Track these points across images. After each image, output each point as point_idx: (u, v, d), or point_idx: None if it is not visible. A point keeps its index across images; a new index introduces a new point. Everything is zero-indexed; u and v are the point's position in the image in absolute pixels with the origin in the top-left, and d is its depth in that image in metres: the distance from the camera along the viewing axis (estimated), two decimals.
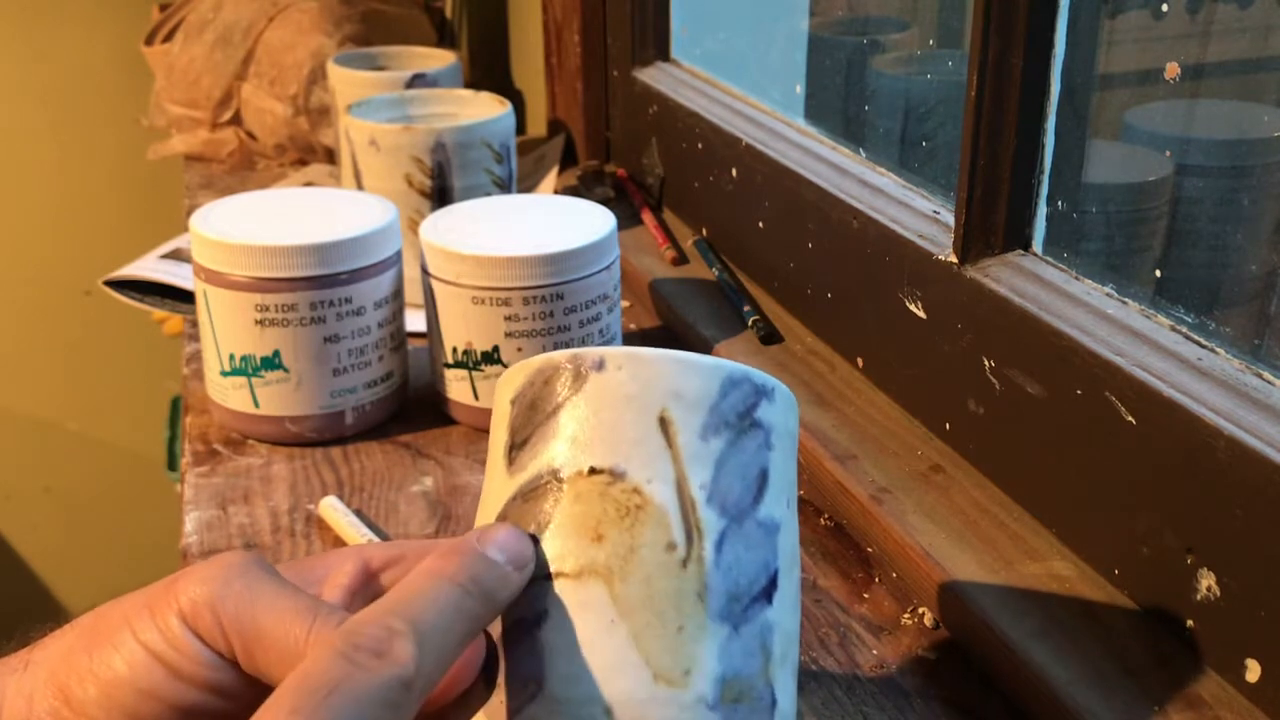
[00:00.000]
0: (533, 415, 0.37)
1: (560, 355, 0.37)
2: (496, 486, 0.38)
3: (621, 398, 0.36)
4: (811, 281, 0.74)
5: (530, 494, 0.36)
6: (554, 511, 0.35)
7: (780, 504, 0.38)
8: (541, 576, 0.35)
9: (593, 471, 0.35)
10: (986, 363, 0.58)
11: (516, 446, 0.37)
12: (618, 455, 0.36)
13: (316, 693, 0.30)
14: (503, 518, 0.37)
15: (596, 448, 0.36)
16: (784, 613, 0.37)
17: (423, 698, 0.32)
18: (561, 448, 0.36)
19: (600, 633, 0.34)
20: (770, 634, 0.36)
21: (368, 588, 0.39)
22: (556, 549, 0.35)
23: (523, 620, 0.35)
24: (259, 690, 0.35)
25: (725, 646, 0.35)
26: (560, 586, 0.35)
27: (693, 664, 0.34)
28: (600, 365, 0.36)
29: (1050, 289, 0.56)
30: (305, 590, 0.38)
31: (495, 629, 0.37)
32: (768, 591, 0.37)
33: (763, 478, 0.37)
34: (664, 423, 0.36)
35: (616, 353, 0.37)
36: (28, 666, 0.36)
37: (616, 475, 0.35)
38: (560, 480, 0.36)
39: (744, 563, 0.36)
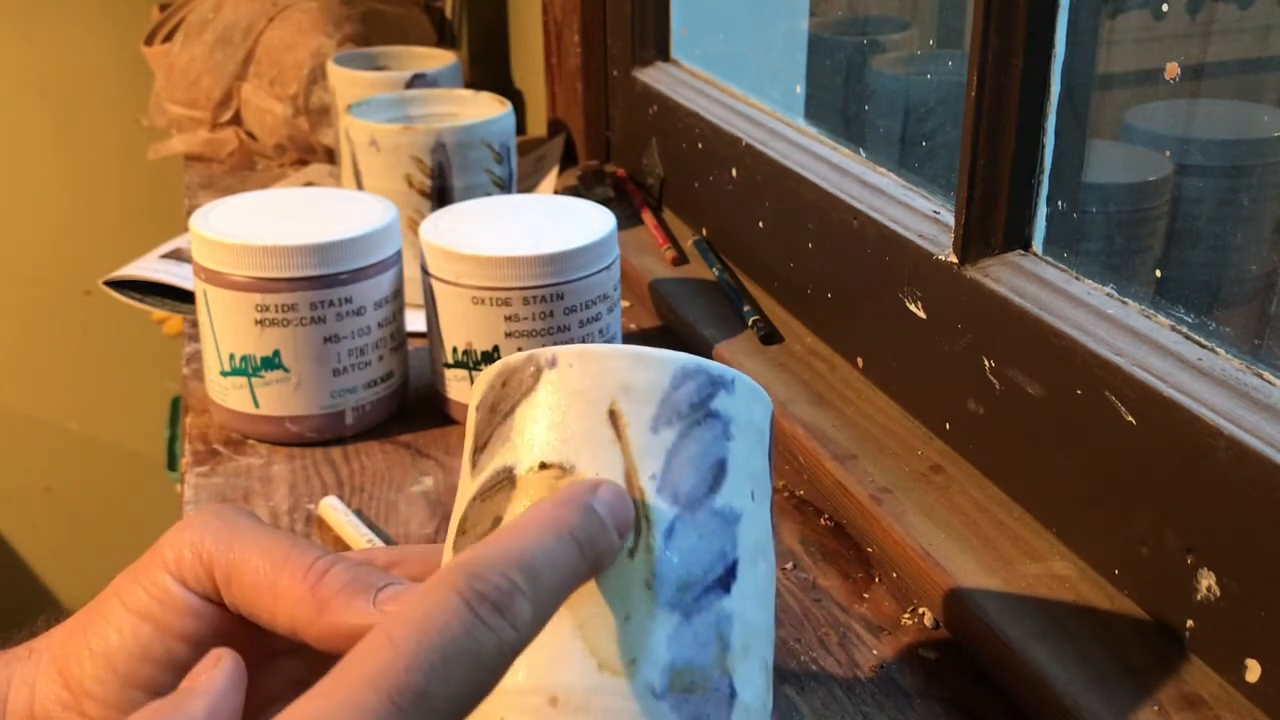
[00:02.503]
0: (492, 418, 0.37)
1: (517, 357, 0.37)
2: (462, 491, 0.38)
3: (572, 393, 0.36)
4: (811, 281, 0.74)
5: (487, 493, 0.36)
6: (506, 508, 0.36)
7: (743, 494, 0.37)
8: None
9: (543, 466, 0.36)
10: (986, 363, 0.58)
11: (478, 450, 0.37)
12: (567, 450, 0.36)
13: (437, 640, 0.28)
14: (464, 519, 0.37)
15: (548, 444, 0.36)
16: (746, 604, 0.36)
17: None
18: (514, 445, 0.36)
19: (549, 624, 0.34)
20: (728, 624, 0.36)
21: None
22: None
23: None
24: (250, 643, 0.36)
25: (675, 635, 0.35)
26: None
27: (639, 652, 0.34)
28: (553, 363, 0.37)
29: (1050, 289, 0.56)
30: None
31: None
32: (724, 581, 0.36)
33: (720, 468, 0.37)
34: (614, 415, 0.36)
35: (568, 350, 0.37)
36: (31, 655, 0.37)
37: (566, 470, 0.35)
38: (514, 479, 0.36)
39: (697, 551, 0.36)
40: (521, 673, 0.34)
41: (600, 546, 0.33)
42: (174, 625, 0.35)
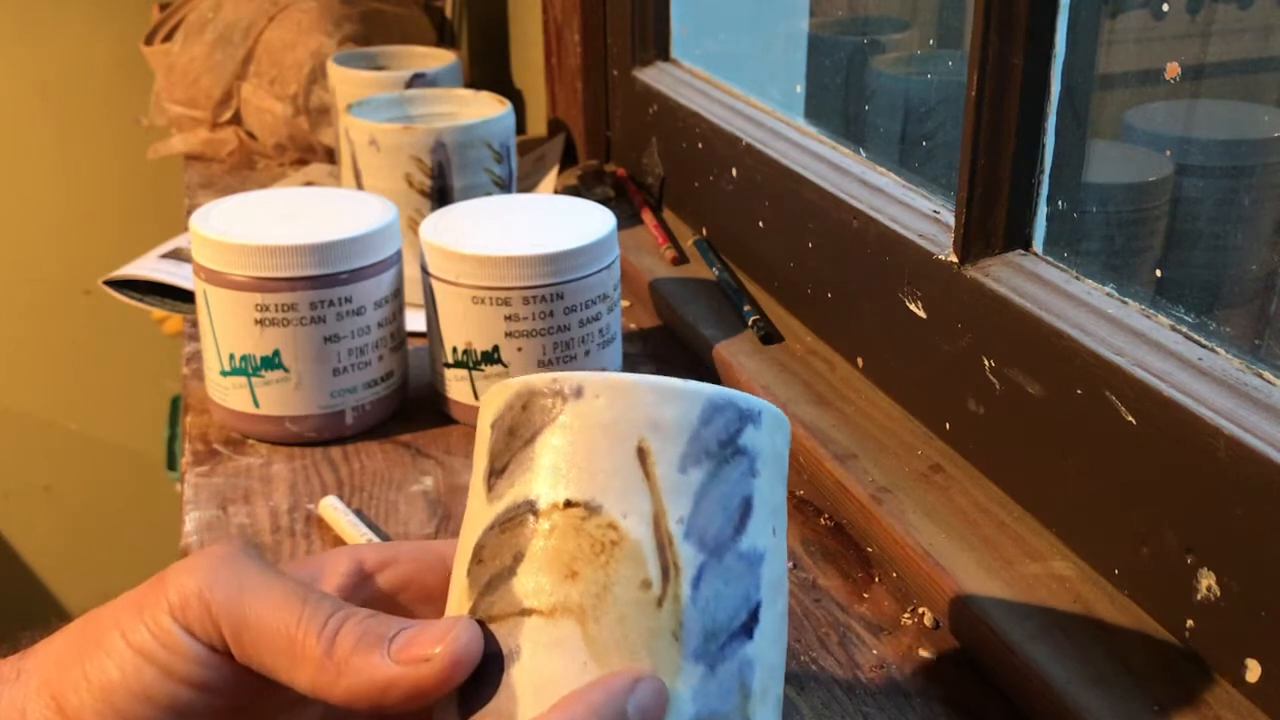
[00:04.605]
0: (511, 441, 0.36)
1: (539, 380, 0.36)
2: (476, 512, 0.37)
3: (598, 426, 0.35)
4: (811, 281, 0.74)
5: (507, 524, 0.35)
6: (529, 545, 0.34)
7: (765, 532, 0.36)
8: (515, 612, 0.34)
9: (569, 504, 0.34)
10: (986, 362, 0.58)
11: (495, 473, 0.36)
12: (593, 488, 0.34)
13: None
14: (480, 548, 0.36)
15: (573, 479, 0.35)
16: (765, 646, 0.36)
17: None
18: (538, 478, 0.35)
19: (572, 675, 0.33)
20: (750, 670, 0.35)
21: (361, 589, 0.39)
22: (530, 585, 0.34)
23: (495, 655, 0.34)
24: (252, 687, 0.35)
25: (700, 688, 0.34)
26: (533, 624, 0.34)
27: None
28: (579, 392, 0.35)
29: (1050, 289, 0.56)
30: (299, 575, 0.38)
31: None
32: (748, 626, 0.35)
33: (746, 507, 0.36)
34: (642, 453, 0.35)
35: (595, 379, 0.35)
36: (19, 676, 0.36)
37: (592, 509, 0.34)
38: (536, 512, 0.35)
39: (723, 598, 0.35)
40: None
41: None
42: (179, 671, 0.35)
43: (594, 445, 0.35)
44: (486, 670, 0.34)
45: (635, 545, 0.34)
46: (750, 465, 0.36)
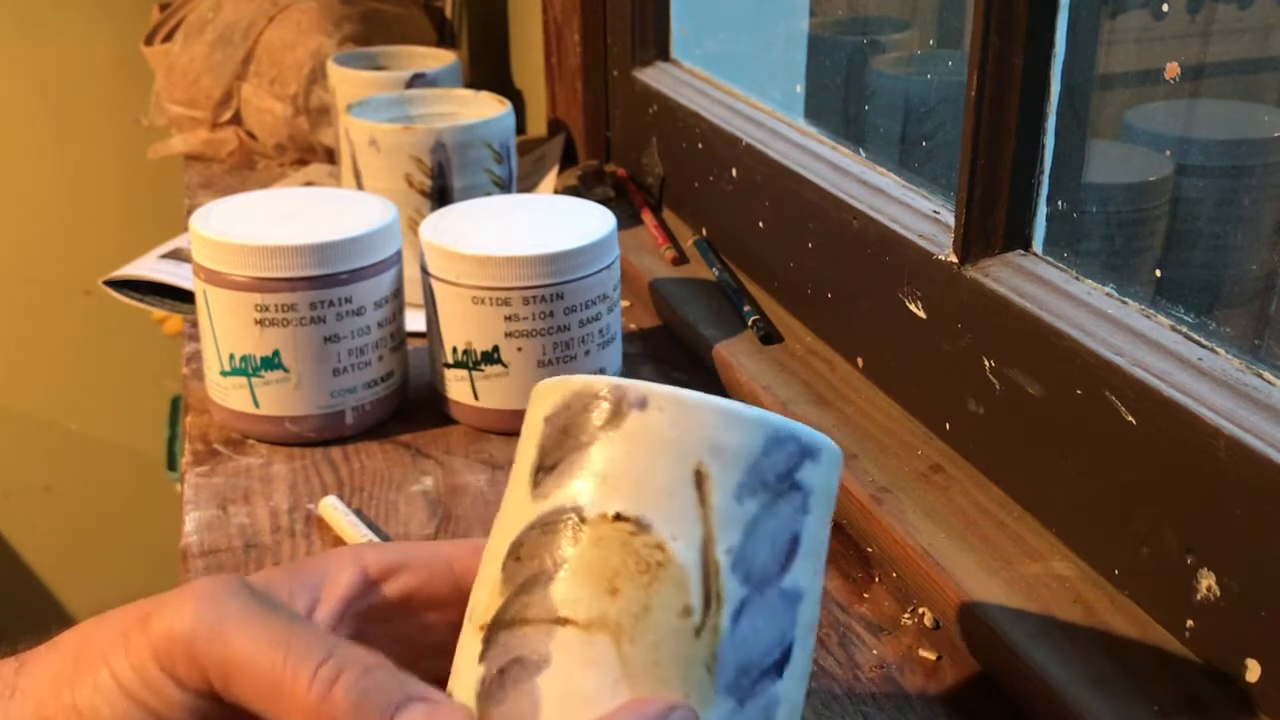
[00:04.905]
0: (564, 441, 0.35)
1: (602, 383, 0.35)
2: (518, 507, 0.36)
3: (659, 442, 0.34)
4: (811, 281, 0.74)
5: (549, 526, 0.34)
6: (570, 552, 0.34)
7: (807, 572, 0.36)
8: (549, 619, 0.34)
9: (618, 517, 0.34)
10: (986, 363, 0.58)
11: (544, 470, 0.35)
12: (646, 504, 0.34)
13: None
14: (519, 544, 0.35)
15: (625, 492, 0.34)
16: (793, 685, 0.35)
17: None
18: (589, 484, 0.34)
19: (602, 693, 0.33)
20: (775, 708, 0.35)
21: (366, 596, 0.39)
22: (568, 593, 0.34)
23: (524, 660, 0.34)
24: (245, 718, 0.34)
25: None
26: (567, 635, 0.33)
27: None
28: (642, 404, 0.34)
29: (1050, 289, 0.56)
30: (300, 592, 0.37)
31: (474, 652, 0.35)
32: (779, 665, 0.35)
33: (793, 544, 0.35)
34: (699, 476, 0.34)
35: (660, 393, 0.35)
36: (14, 694, 0.36)
37: (642, 526, 0.34)
38: (583, 519, 0.34)
39: (760, 635, 0.34)
40: None
41: None
42: (165, 715, 0.34)
43: (652, 461, 0.34)
44: (512, 672, 0.34)
45: (681, 570, 0.33)
46: (803, 502, 0.36)
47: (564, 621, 0.33)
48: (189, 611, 0.34)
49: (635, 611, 0.33)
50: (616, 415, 0.35)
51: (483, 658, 0.35)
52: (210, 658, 0.33)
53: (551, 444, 0.35)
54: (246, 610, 0.34)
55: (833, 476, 0.37)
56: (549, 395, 0.36)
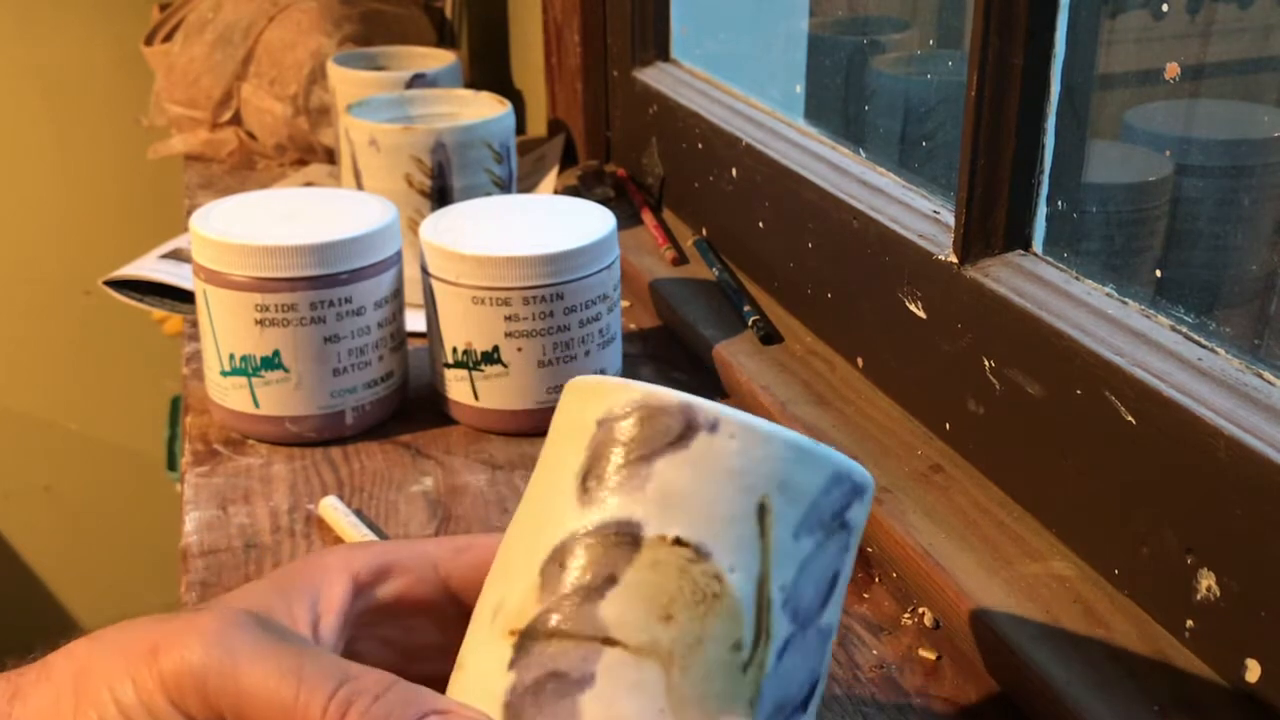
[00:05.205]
0: (622, 450, 0.34)
1: (671, 398, 0.34)
2: (562, 508, 0.35)
3: (725, 471, 0.33)
4: (811, 281, 0.74)
5: (602, 538, 0.33)
6: (625, 571, 0.33)
7: (838, 607, 0.36)
8: (597, 637, 0.33)
9: (677, 542, 0.33)
10: (986, 363, 0.58)
11: (596, 477, 0.34)
12: (707, 532, 0.33)
13: None
14: (563, 550, 0.34)
15: (687, 517, 0.33)
16: (811, 718, 0.36)
17: None
18: (650, 503, 0.33)
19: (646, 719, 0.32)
20: None
21: (356, 604, 0.38)
22: (619, 615, 0.33)
23: (565, 675, 0.33)
24: None
25: None
26: (615, 657, 0.33)
27: None
28: (713, 427, 0.34)
29: (1050, 289, 0.56)
30: (301, 613, 0.37)
31: (501, 651, 0.34)
32: (807, 701, 0.35)
33: (834, 582, 0.35)
34: (763, 510, 0.33)
35: (732, 418, 0.34)
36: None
37: (701, 554, 0.33)
38: (640, 538, 0.33)
39: (797, 672, 0.34)
40: None
41: None
42: None
43: (717, 488, 0.33)
44: (550, 686, 0.33)
45: (736, 604, 0.33)
46: (847, 540, 0.35)
47: (613, 642, 0.33)
48: (199, 646, 0.34)
49: (689, 642, 0.33)
50: (686, 436, 0.34)
51: (514, 665, 0.34)
52: (223, 693, 0.33)
53: (607, 451, 0.34)
54: (257, 644, 0.34)
55: (867, 512, 0.37)
56: (605, 397, 0.35)
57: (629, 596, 0.33)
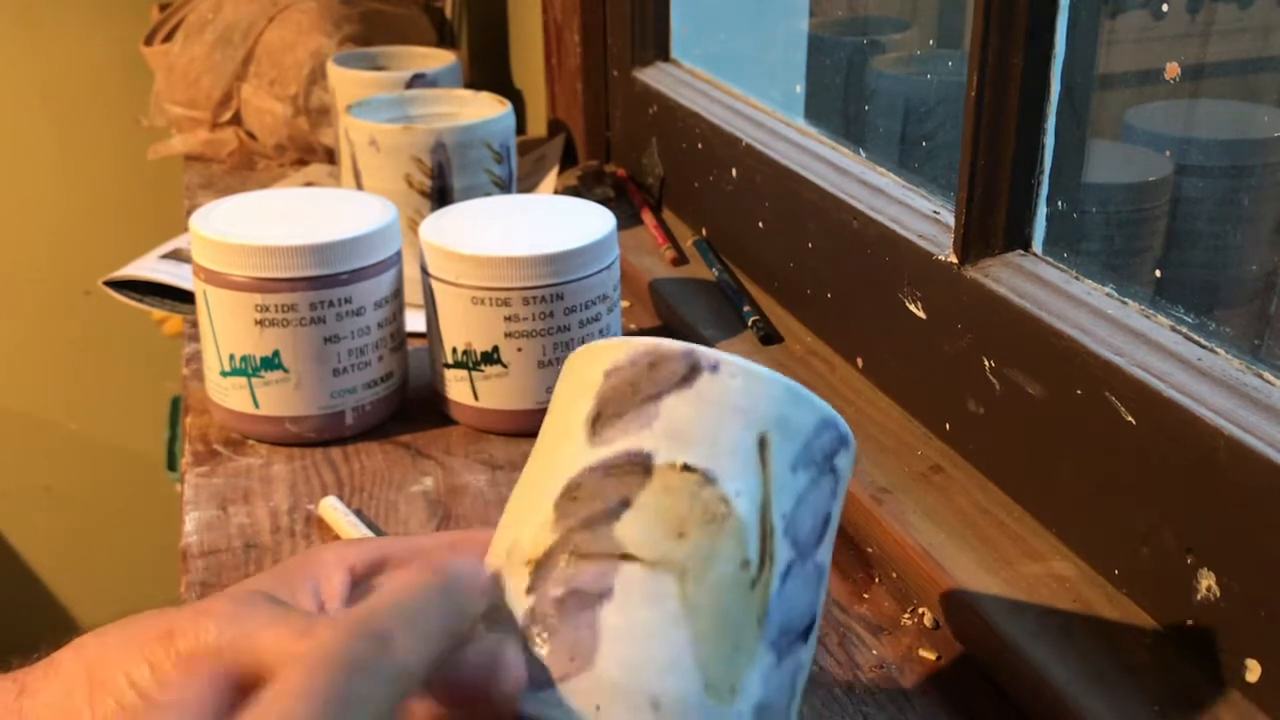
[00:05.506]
0: (631, 393, 0.37)
1: (670, 345, 0.37)
2: (571, 451, 0.37)
3: (728, 406, 0.36)
4: (811, 281, 0.74)
5: (614, 469, 0.36)
6: (639, 495, 0.35)
7: (829, 553, 0.38)
8: (614, 555, 0.35)
9: (686, 468, 0.35)
10: (986, 363, 0.58)
11: (605, 419, 0.37)
12: (714, 460, 0.35)
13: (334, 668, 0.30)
14: (576, 485, 0.36)
15: (695, 446, 0.36)
16: (808, 657, 0.37)
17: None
18: (657, 435, 0.36)
19: (665, 627, 0.34)
20: (800, 673, 0.37)
21: (354, 594, 0.39)
22: (634, 533, 0.35)
23: (582, 592, 0.35)
24: None
25: (768, 675, 0.35)
26: (631, 571, 0.35)
27: (739, 683, 0.34)
28: (715, 368, 0.36)
29: (1050, 289, 0.56)
30: (304, 599, 0.37)
31: (520, 588, 0.36)
32: (806, 633, 0.37)
33: (826, 522, 0.38)
34: (763, 444, 0.36)
35: (732, 361, 0.37)
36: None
37: (709, 479, 0.35)
38: (650, 466, 0.35)
39: (798, 599, 0.36)
40: (623, 667, 0.34)
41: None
42: None
43: (722, 422, 0.36)
44: (570, 602, 0.35)
45: (742, 524, 0.35)
46: (835, 485, 0.38)
47: (630, 558, 0.35)
48: (213, 626, 0.34)
49: (702, 556, 0.35)
50: (689, 375, 0.36)
51: (531, 590, 0.35)
52: (241, 665, 0.33)
53: (616, 395, 0.37)
54: (272, 612, 0.34)
55: (851, 467, 0.39)
56: (610, 352, 0.38)
57: (643, 517, 0.35)
